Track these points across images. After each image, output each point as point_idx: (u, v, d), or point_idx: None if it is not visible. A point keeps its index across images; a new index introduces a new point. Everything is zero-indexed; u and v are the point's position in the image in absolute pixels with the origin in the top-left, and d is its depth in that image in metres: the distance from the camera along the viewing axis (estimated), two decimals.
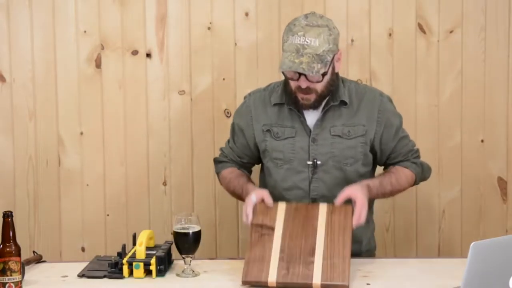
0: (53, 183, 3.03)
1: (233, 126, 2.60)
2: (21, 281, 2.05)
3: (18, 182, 3.03)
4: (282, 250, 2.18)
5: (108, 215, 3.06)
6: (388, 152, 2.51)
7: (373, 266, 2.29)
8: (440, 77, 3.03)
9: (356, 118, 2.46)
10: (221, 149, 2.65)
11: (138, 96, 3.02)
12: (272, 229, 2.23)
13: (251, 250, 2.20)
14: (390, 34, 3.01)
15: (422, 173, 2.54)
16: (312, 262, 2.14)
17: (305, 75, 2.34)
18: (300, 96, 2.40)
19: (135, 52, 3.00)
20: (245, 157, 2.59)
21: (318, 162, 2.44)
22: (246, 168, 2.62)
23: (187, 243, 2.20)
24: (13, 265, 2.01)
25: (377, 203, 3.05)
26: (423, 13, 3.00)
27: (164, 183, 3.05)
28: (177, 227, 2.21)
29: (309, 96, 2.39)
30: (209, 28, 3.00)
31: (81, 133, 3.02)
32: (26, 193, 3.03)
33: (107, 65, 3.00)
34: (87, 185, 3.04)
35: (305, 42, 2.33)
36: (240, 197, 2.48)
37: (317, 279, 2.10)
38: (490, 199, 3.08)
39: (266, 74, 2.94)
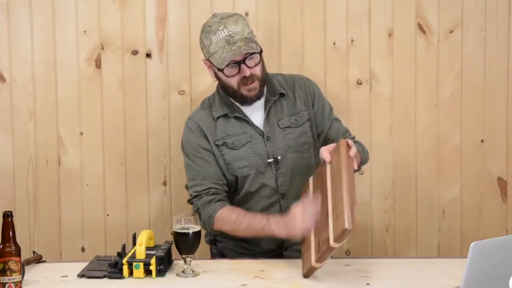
0: (53, 183, 3.03)
1: (192, 153, 2.48)
2: (21, 281, 2.05)
3: (18, 182, 3.03)
4: (315, 227, 2.19)
5: (108, 215, 3.06)
6: (326, 131, 2.53)
7: (373, 266, 2.29)
8: (440, 77, 3.03)
9: (296, 106, 2.53)
10: (192, 190, 2.47)
11: (138, 96, 3.02)
12: None
13: (302, 244, 2.23)
14: (390, 34, 3.01)
15: (363, 152, 2.49)
16: (328, 223, 2.10)
17: (245, 64, 2.38)
18: (245, 89, 2.43)
19: (135, 52, 3.00)
20: (223, 178, 2.48)
21: (279, 158, 2.47)
22: (228, 197, 2.49)
23: (187, 243, 2.20)
24: (13, 265, 2.01)
25: (377, 203, 3.06)
26: (423, 13, 3.00)
27: (164, 183, 3.05)
28: (177, 227, 2.21)
29: (253, 84, 2.42)
30: None
31: (81, 133, 3.02)
32: (26, 193, 3.03)
33: (107, 65, 3.00)
34: (87, 185, 3.04)
35: (230, 32, 2.39)
36: (256, 229, 2.33)
37: (331, 239, 2.05)
38: (490, 199, 3.08)
39: None
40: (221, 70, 2.40)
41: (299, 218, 2.22)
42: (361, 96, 3.03)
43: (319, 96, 2.57)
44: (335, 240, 2.03)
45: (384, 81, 3.03)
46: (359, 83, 3.02)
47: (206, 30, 2.42)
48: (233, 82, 2.42)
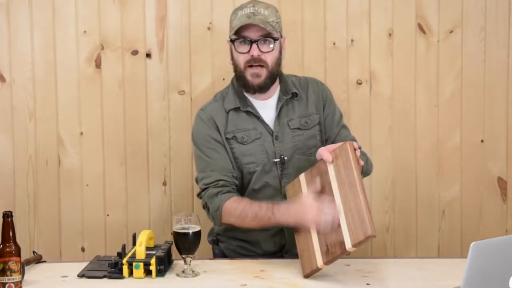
0: (53, 183, 3.03)
1: (203, 144, 2.46)
2: (21, 281, 2.04)
3: (18, 182, 3.03)
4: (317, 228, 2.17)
5: (108, 215, 3.06)
6: (333, 138, 2.51)
7: (373, 266, 2.28)
8: (440, 77, 3.03)
9: (308, 108, 2.52)
10: (201, 183, 2.44)
11: (138, 96, 3.02)
12: None
13: (298, 242, 2.21)
14: (390, 34, 3.01)
15: (367, 163, 2.45)
16: (339, 225, 2.09)
17: (257, 45, 2.37)
18: (250, 72, 2.41)
19: (135, 52, 3.00)
20: (233, 171, 2.45)
21: (285, 158, 2.46)
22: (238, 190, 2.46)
23: (187, 243, 2.20)
24: (13, 265, 2.01)
25: (377, 203, 3.06)
26: (423, 13, 3.00)
27: (164, 183, 3.05)
28: (177, 227, 2.20)
29: (259, 70, 2.40)
30: (209, 28, 3.00)
31: (81, 133, 3.02)
32: (26, 193, 3.03)
33: (107, 65, 3.00)
34: (87, 185, 3.04)
35: (255, 11, 2.40)
36: (262, 220, 2.29)
37: (348, 243, 2.05)
38: (490, 199, 3.08)
39: None
40: (233, 42, 2.41)
41: (312, 209, 2.17)
42: (361, 96, 3.03)
43: (331, 101, 2.56)
44: (354, 245, 2.04)
45: (384, 81, 3.03)
46: (359, 83, 3.02)
47: (236, 8, 2.46)
48: (241, 61, 2.41)
